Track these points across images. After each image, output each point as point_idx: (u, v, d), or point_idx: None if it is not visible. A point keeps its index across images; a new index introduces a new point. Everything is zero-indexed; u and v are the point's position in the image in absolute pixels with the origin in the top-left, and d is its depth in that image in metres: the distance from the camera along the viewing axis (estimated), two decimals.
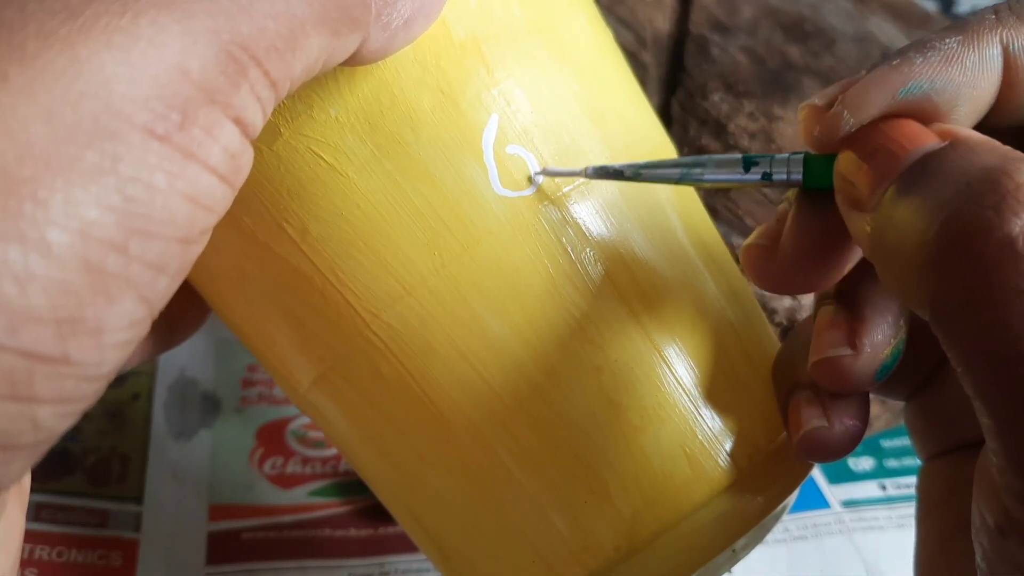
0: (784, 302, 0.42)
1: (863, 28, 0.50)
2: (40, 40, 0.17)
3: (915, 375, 0.27)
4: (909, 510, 0.45)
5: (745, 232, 0.43)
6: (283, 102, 0.23)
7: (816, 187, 0.23)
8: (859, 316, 0.24)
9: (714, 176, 0.24)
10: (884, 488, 0.46)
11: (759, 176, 0.23)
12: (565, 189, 0.25)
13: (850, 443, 0.24)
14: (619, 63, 0.29)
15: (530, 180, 0.25)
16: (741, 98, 0.46)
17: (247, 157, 0.19)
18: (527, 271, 0.25)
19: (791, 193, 0.24)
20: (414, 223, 0.24)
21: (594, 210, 0.25)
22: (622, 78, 0.29)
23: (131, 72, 0.17)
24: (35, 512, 0.40)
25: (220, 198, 0.19)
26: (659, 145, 0.28)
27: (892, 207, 0.19)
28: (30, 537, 0.39)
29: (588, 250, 0.25)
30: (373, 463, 0.28)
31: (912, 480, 0.46)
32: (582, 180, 0.25)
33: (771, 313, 0.42)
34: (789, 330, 0.42)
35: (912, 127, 0.21)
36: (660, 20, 0.49)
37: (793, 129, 0.46)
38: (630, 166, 0.24)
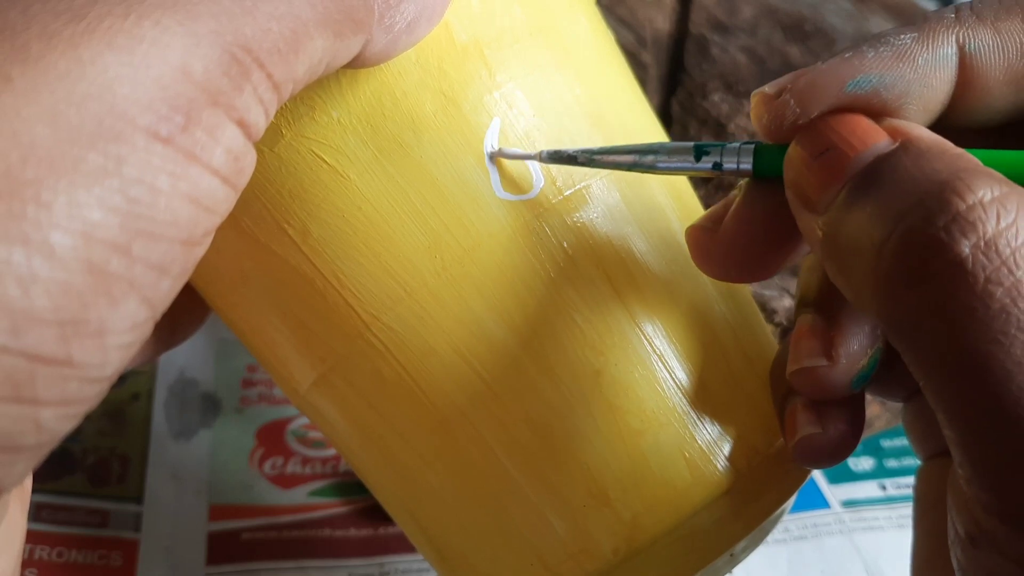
0: (784, 302, 0.42)
1: (863, 28, 0.50)
2: (44, 42, 0.17)
3: (911, 379, 0.27)
4: (909, 510, 0.45)
5: None
6: (285, 104, 0.23)
7: (766, 176, 0.22)
8: (836, 325, 0.24)
9: (666, 164, 0.24)
10: (884, 488, 0.46)
11: (710, 165, 0.23)
12: (566, 193, 0.25)
13: (845, 449, 0.24)
14: (620, 65, 0.29)
15: (531, 182, 0.25)
16: (741, 98, 0.46)
17: (250, 159, 0.19)
18: (528, 274, 0.25)
19: (743, 182, 0.24)
20: (415, 225, 0.24)
21: (595, 214, 0.25)
22: (623, 80, 0.29)
23: (134, 74, 0.17)
24: (35, 512, 0.40)
25: (223, 200, 0.19)
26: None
27: (844, 212, 0.20)
28: (30, 537, 0.39)
29: (589, 254, 0.25)
30: (372, 464, 0.28)
31: (912, 480, 0.47)
32: (583, 184, 0.25)
33: (771, 314, 0.42)
34: (789, 331, 0.42)
35: (862, 124, 0.20)
36: (660, 20, 0.49)
37: None
38: (584, 151, 0.24)
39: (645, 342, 0.25)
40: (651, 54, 0.48)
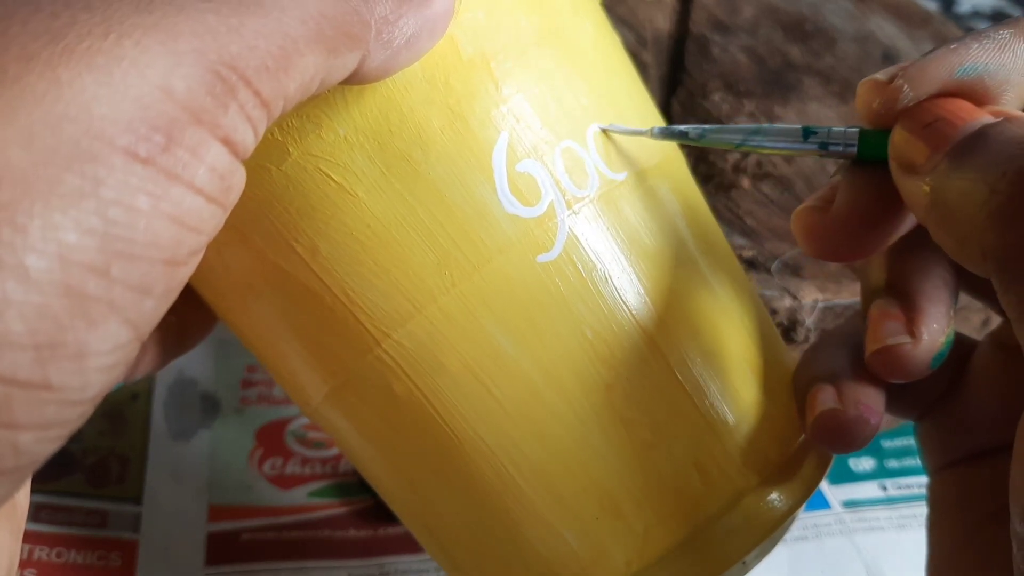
0: (784, 302, 0.42)
1: (863, 28, 0.50)
2: (22, 63, 0.16)
3: (927, 396, 0.28)
4: (910, 510, 0.45)
5: (746, 232, 0.43)
6: (291, 122, 0.23)
7: (868, 159, 0.23)
8: (914, 306, 0.24)
9: (773, 143, 0.25)
10: (884, 488, 0.46)
11: (816, 145, 0.24)
12: (575, 207, 0.25)
13: (865, 429, 0.25)
14: (626, 70, 0.29)
15: (540, 197, 0.25)
16: (741, 98, 0.46)
17: (238, 177, 0.19)
18: (537, 289, 0.24)
19: (838, 174, 0.25)
20: (424, 242, 0.24)
21: (603, 227, 0.25)
22: (630, 86, 0.28)
23: (112, 94, 0.17)
24: (34, 512, 0.40)
25: (208, 218, 0.18)
26: (668, 155, 0.28)
27: (952, 168, 0.20)
28: (30, 538, 0.39)
29: (597, 267, 0.25)
30: (385, 475, 0.28)
31: (913, 480, 0.47)
32: (591, 197, 0.25)
33: (771, 314, 0.42)
34: (790, 330, 0.42)
35: (967, 104, 0.22)
36: (660, 20, 0.49)
37: None
38: (695, 128, 0.26)
39: (655, 354, 0.25)
40: (651, 54, 0.48)
